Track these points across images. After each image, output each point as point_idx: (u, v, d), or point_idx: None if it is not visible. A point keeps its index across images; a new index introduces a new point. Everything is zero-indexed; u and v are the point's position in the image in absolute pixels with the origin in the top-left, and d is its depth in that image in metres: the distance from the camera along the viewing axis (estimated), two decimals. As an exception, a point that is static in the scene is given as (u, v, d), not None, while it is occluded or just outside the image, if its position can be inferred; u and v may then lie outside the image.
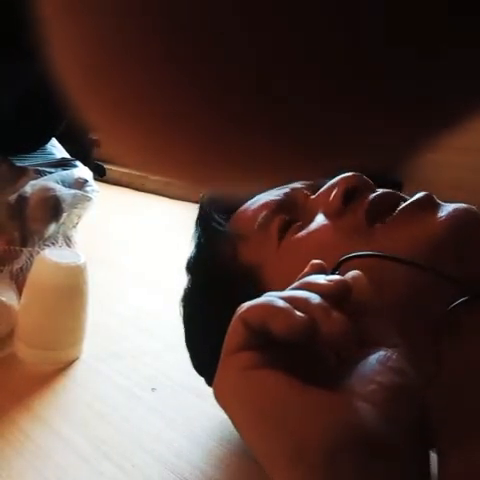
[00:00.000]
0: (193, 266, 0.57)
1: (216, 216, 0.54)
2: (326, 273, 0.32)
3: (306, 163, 0.15)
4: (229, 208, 0.55)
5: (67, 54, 0.14)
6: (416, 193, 0.45)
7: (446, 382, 0.38)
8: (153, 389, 0.66)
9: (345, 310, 0.29)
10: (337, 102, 0.13)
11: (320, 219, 0.47)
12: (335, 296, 0.29)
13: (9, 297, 0.74)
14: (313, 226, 0.46)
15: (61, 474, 0.51)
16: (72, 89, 0.15)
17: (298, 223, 0.48)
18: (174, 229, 1.40)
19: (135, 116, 0.14)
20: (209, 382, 0.56)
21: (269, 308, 0.28)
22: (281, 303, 0.28)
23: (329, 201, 0.47)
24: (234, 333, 0.30)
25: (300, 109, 0.13)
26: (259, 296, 0.30)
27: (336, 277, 0.31)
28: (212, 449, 0.56)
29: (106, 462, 0.53)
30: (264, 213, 0.50)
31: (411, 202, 0.44)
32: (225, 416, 0.60)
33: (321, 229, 0.46)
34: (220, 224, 0.54)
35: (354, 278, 0.32)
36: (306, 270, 0.34)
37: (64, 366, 0.70)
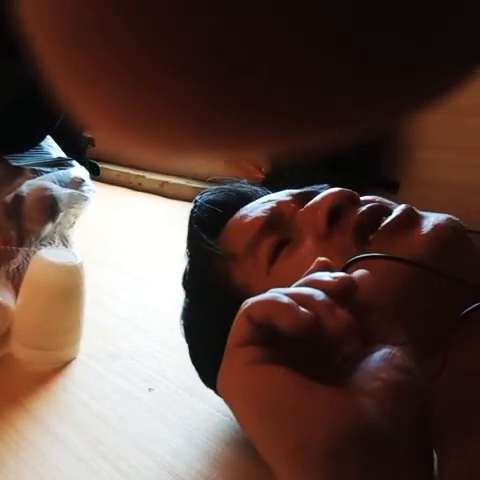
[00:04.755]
0: (188, 284, 0.57)
1: (205, 236, 0.54)
2: (332, 271, 0.32)
3: (274, 134, 0.15)
4: (217, 224, 0.55)
5: (42, 30, 0.14)
6: (399, 205, 0.45)
7: (450, 382, 0.38)
8: (150, 389, 0.66)
9: (351, 308, 0.29)
10: (306, 77, 0.13)
11: (308, 243, 0.47)
12: (340, 293, 0.29)
13: (5, 297, 0.73)
14: (302, 251, 0.46)
15: (57, 474, 0.51)
16: (49, 67, 0.15)
17: (287, 246, 0.48)
18: (171, 228, 1.40)
19: (109, 90, 0.15)
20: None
21: (273, 304, 0.28)
22: (286, 299, 0.28)
23: (315, 222, 0.47)
24: (238, 328, 0.30)
25: (268, 81, 0.13)
26: None
27: (341, 274, 0.31)
28: (209, 449, 0.56)
29: (103, 462, 0.53)
30: (251, 234, 0.50)
31: (392, 219, 0.44)
32: (222, 416, 0.61)
33: (310, 255, 0.45)
34: (209, 244, 0.53)
35: (361, 277, 0.31)
36: (312, 268, 0.34)
37: (61, 366, 0.70)
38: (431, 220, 0.43)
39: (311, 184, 0.59)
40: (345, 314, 0.28)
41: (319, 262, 0.34)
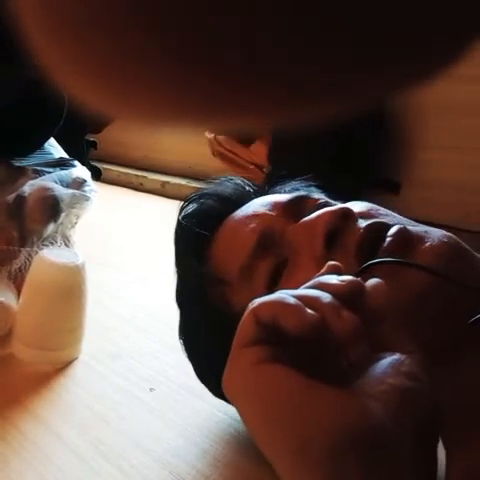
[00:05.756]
0: (182, 302, 0.57)
1: (195, 259, 0.53)
2: (341, 274, 0.32)
3: (274, 105, 0.16)
4: (205, 240, 0.53)
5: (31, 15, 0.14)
6: (393, 225, 0.43)
7: (457, 386, 0.38)
8: (151, 389, 0.66)
9: (363, 315, 0.29)
10: (306, 46, 0.13)
11: (308, 267, 0.44)
12: (347, 296, 0.29)
13: (8, 297, 0.74)
14: (302, 276, 0.43)
15: (59, 474, 0.51)
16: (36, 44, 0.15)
17: (285, 269, 0.46)
18: (172, 229, 1.40)
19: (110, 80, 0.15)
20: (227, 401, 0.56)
21: (280, 305, 0.29)
22: (292, 300, 0.28)
23: (311, 245, 0.45)
24: (245, 328, 0.30)
25: (267, 51, 0.13)
26: None
27: (348, 277, 0.31)
28: (209, 449, 0.56)
29: (104, 462, 0.53)
30: (243, 257, 0.48)
31: (388, 243, 0.42)
32: (222, 416, 0.61)
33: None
34: (201, 269, 0.52)
35: (375, 286, 0.31)
36: (322, 271, 0.34)
37: (63, 366, 0.70)
38: (428, 241, 0.42)
39: (309, 184, 0.58)
40: (351, 317, 0.28)
41: (329, 265, 0.34)
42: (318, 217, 0.45)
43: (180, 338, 0.58)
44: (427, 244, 0.42)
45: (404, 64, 0.14)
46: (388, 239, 0.42)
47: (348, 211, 0.45)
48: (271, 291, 0.45)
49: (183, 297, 0.57)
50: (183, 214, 0.58)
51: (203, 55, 0.13)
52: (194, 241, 0.54)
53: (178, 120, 0.17)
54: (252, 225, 0.50)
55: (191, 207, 0.58)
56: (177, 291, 0.57)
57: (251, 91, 0.14)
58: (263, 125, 0.20)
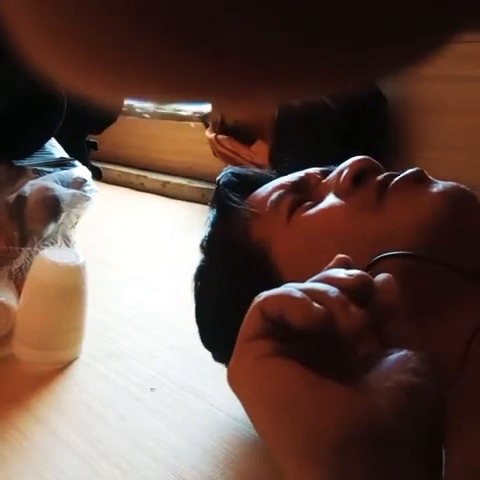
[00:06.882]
0: (207, 244, 0.58)
1: (232, 195, 0.56)
2: (350, 268, 0.32)
3: (278, 83, 0.15)
4: (245, 189, 0.57)
5: None
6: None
7: (464, 383, 0.38)
8: (152, 389, 0.66)
9: (371, 311, 0.29)
10: (305, 30, 0.13)
11: (330, 198, 0.49)
12: (354, 290, 0.29)
13: (8, 297, 0.74)
14: (323, 204, 0.48)
15: (59, 474, 0.51)
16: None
17: (308, 203, 0.50)
18: (172, 229, 1.40)
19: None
20: (216, 357, 0.57)
21: (287, 298, 0.28)
22: (299, 294, 0.28)
23: (339, 182, 0.49)
24: (251, 321, 0.30)
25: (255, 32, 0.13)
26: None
27: (356, 271, 0.30)
28: (210, 449, 0.56)
29: (104, 462, 0.53)
30: (277, 192, 0.52)
31: (406, 175, 0.46)
32: (224, 416, 0.61)
33: (331, 206, 0.48)
34: (235, 203, 0.55)
35: (384, 281, 0.31)
36: (330, 264, 0.33)
37: (63, 366, 0.70)
38: (441, 183, 0.46)
39: None
40: (359, 312, 0.28)
41: (338, 259, 0.33)
42: (349, 161, 0.50)
43: (194, 279, 0.58)
44: (440, 184, 0.46)
45: (403, 44, 0.14)
46: (404, 174, 0.46)
47: (377, 163, 0.50)
48: (291, 215, 0.50)
49: (210, 237, 0.58)
50: (228, 170, 0.61)
51: (200, 38, 0.13)
52: (235, 184, 0.58)
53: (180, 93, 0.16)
54: (293, 175, 0.54)
55: (236, 170, 0.61)
56: (204, 236, 0.59)
57: (255, 73, 0.14)
58: (267, 103, 0.19)
